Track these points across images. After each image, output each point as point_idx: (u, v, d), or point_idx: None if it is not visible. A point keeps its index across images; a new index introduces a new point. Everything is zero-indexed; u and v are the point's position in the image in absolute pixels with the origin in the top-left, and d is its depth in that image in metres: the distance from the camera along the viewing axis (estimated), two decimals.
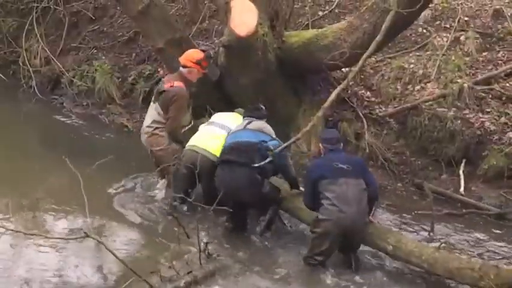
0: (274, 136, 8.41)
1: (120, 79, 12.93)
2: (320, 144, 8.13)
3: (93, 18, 14.43)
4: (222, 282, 7.17)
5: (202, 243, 7.30)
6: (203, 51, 9.44)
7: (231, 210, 7.98)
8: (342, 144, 8.16)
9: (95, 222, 8.16)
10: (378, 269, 7.71)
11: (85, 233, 6.66)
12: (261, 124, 8.49)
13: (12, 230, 7.36)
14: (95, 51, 13.96)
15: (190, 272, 7.04)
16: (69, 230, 8.20)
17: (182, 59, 9.22)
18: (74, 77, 13.33)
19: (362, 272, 7.59)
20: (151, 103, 9.28)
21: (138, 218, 8.75)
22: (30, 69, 13.94)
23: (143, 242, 8.19)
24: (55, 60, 13.81)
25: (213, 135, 8.70)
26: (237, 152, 8.15)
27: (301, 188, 8.24)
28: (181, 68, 9.20)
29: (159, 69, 12.51)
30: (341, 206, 7.41)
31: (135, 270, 6.61)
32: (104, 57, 13.61)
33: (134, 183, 9.64)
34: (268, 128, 8.49)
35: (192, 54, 9.26)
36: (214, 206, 7.55)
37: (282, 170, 8.36)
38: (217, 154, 8.42)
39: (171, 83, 9.04)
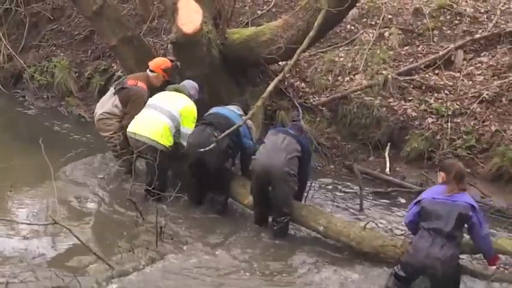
0: (251, 138, 8.43)
1: (77, 74, 12.92)
2: None
3: (52, 18, 14.29)
4: (176, 262, 7.03)
5: (159, 226, 7.18)
6: (171, 61, 9.41)
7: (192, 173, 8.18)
8: (301, 128, 8.33)
9: (59, 208, 7.90)
10: None
11: (53, 219, 6.55)
12: (250, 123, 8.49)
13: None
14: (54, 48, 13.85)
15: (148, 253, 6.97)
16: (37, 216, 8.03)
17: (152, 65, 9.18)
18: (34, 73, 13.23)
19: None
20: (111, 93, 9.12)
21: (98, 202, 8.60)
22: None
23: (105, 226, 8.01)
24: (17, 57, 13.59)
25: (155, 120, 8.40)
26: (217, 119, 8.24)
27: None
28: (148, 71, 9.16)
29: (113, 65, 12.52)
30: (269, 151, 7.63)
31: (98, 253, 6.55)
32: (62, 54, 13.53)
33: (94, 168, 9.53)
34: (252, 130, 8.56)
35: (162, 63, 9.26)
36: (174, 194, 7.60)
37: (244, 152, 8.34)
38: (160, 141, 8.24)
39: (135, 82, 9.02)
